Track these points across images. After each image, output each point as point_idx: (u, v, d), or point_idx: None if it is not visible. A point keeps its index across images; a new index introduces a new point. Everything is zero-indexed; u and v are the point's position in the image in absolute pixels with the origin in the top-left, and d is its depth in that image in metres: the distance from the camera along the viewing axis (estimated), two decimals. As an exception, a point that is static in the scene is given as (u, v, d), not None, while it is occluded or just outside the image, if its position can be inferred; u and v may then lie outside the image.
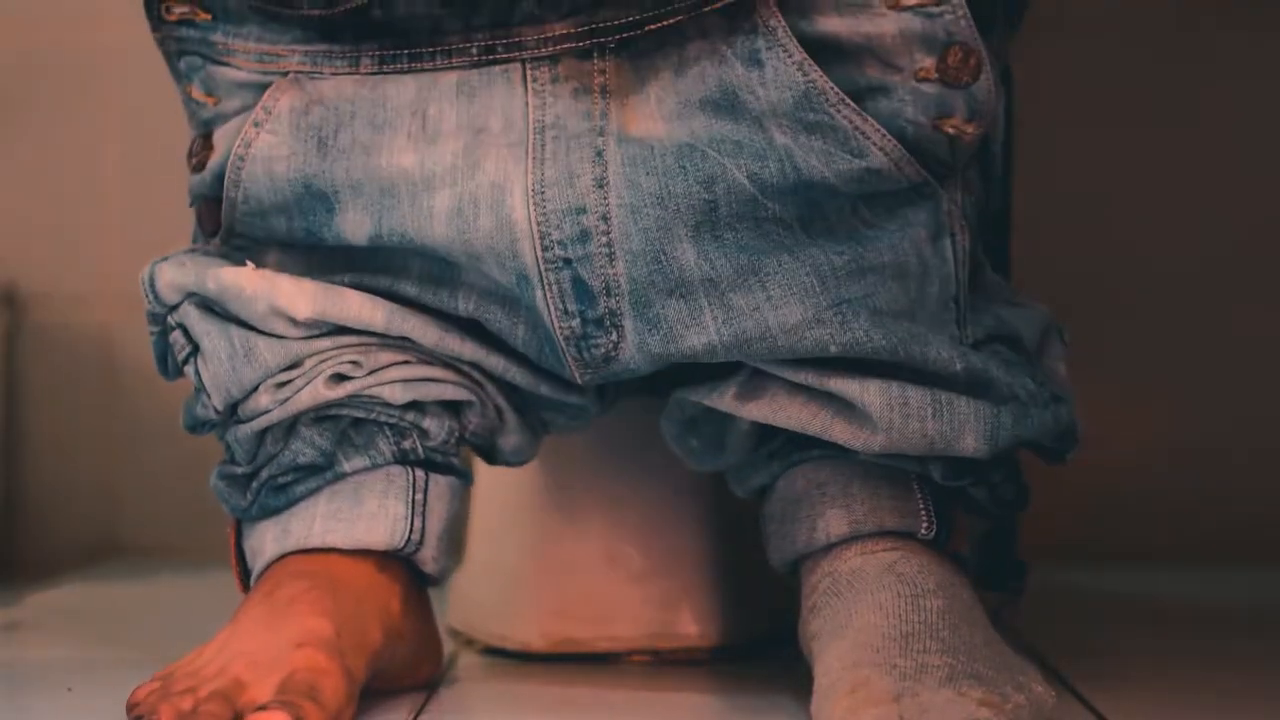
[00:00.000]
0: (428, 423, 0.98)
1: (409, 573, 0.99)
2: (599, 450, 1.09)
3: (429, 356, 0.98)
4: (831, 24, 0.90)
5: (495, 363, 0.98)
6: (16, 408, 1.51)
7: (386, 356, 0.97)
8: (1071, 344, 0.98)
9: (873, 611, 0.91)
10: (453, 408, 0.99)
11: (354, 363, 0.96)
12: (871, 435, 0.93)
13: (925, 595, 0.92)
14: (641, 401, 1.04)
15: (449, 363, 0.98)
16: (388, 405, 0.97)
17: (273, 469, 0.98)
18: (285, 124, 0.95)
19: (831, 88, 0.90)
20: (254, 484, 0.98)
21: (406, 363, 0.97)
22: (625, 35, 0.91)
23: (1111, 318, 1.50)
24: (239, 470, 0.99)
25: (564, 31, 0.92)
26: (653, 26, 0.91)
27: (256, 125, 0.95)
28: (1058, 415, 0.96)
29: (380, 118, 0.94)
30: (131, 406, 1.52)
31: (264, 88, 0.96)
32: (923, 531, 0.96)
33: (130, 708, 0.89)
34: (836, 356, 0.92)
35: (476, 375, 0.99)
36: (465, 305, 0.96)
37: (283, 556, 0.97)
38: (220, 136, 0.97)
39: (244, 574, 1.00)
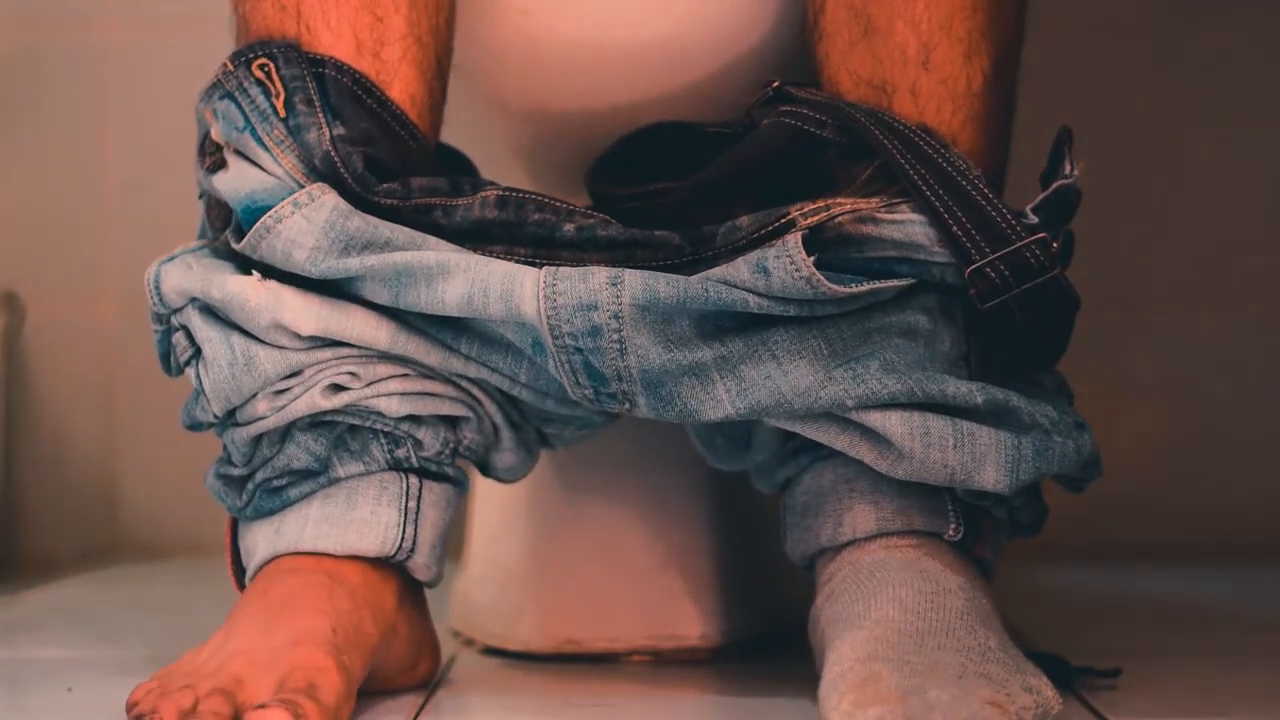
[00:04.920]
0: (423, 434, 0.98)
1: (403, 571, 0.99)
2: (599, 450, 1.09)
3: (430, 371, 0.98)
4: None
5: (501, 380, 0.98)
6: (16, 408, 1.51)
7: (385, 369, 0.97)
8: (1071, 343, 0.98)
9: (892, 605, 0.91)
10: (449, 421, 0.99)
11: (352, 374, 0.96)
12: (895, 462, 0.93)
13: (946, 594, 0.92)
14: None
15: (449, 378, 0.98)
16: (383, 416, 0.97)
17: (267, 471, 0.98)
18: (322, 218, 0.94)
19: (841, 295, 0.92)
20: (249, 485, 0.98)
21: (405, 376, 0.97)
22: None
23: (1111, 317, 1.50)
24: (235, 471, 0.99)
25: (599, 263, 0.94)
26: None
27: (295, 206, 0.94)
28: (1080, 444, 0.95)
29: (412, 248, 0.95)
30: (131, 407, 1.52)
31: (287, 189, 0.95)
32: (949, 533, 0.96)
33: (130, 707, 0.89)
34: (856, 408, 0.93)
35: (475, 392, 0.99)
36: (468, 349, 0.97)
37: (275, 557, 0.97)
38: (236, 170, 0.97)
39: (239, 571, 1.00)
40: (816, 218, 0.93)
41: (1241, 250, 1.50)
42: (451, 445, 0.99)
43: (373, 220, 0.95)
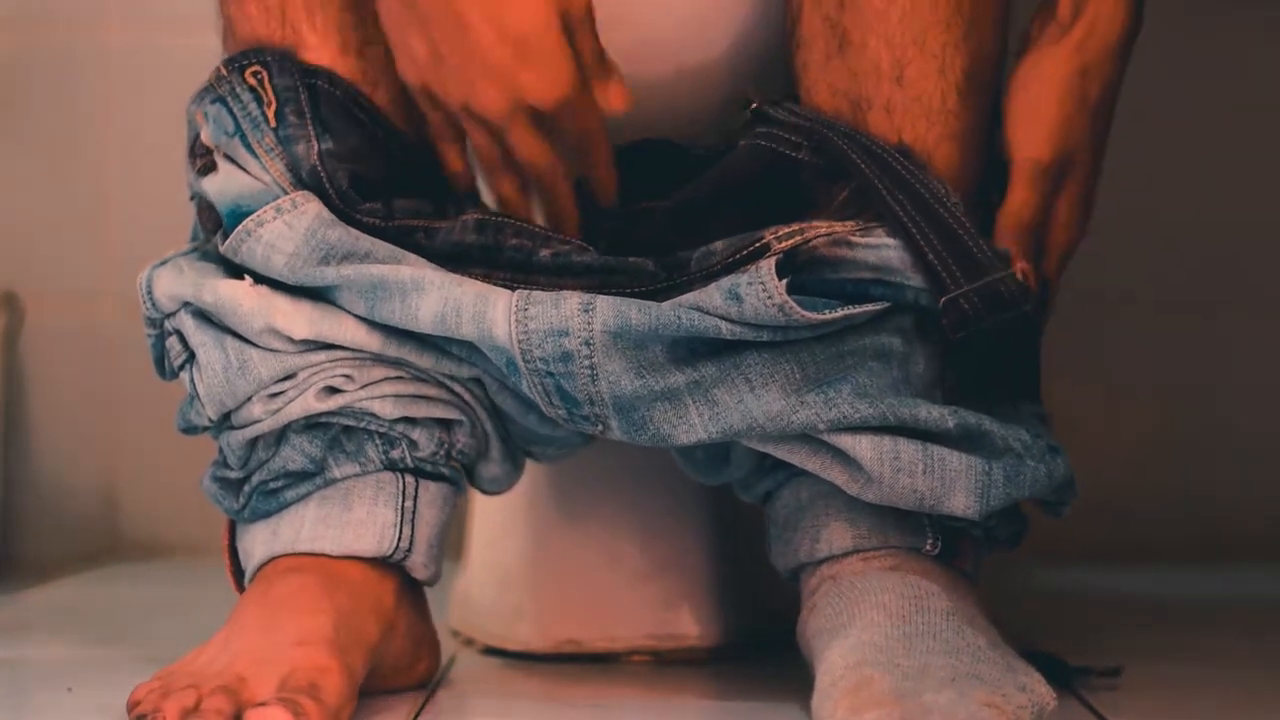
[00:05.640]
0: (417, 435, 0.98)
1: (401, 570, 0.99)
2: (598, 450, 1.09)
3: (423, 374, 0.98)
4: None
5: (489, 382, 0.98)
6: (16, 408, 1.51)
7: (379, 371, 0.97)
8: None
9: (877, 611, 0.91)
10: (443, 424, 1.00)
11: (347, 376, 0.97)
12: (865, 485, 0.93)
13: (929, 597, 0.92)
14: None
15: (442, 382, 0.98)
16: (378, 417, 0.97)
17: (263, 474, 0.98)
18: (303, 226, 0.94)
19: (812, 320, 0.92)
20: (245, 488, 0.98)
21: (400, 378, 0.98)
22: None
23: (1109, 317, 1.50)
24: (231, 474, 0.99)
25: (575, 289, 0.94)
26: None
27: (278, 211, 0.95)
28: (1052, 468, 0.95)
29: (390, 262, 0.95)
30: (131, 406, 1.52)
31: (273, 195, 0.95)
32: (927, 548, 0.95)
33: (131, 706, 0.89)
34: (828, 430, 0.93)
35: (467, 398, 0.99)
36: (459, 349, 0.97)
37: (273, 558, 0.98)
38: (225, 174, 0.97)
39: (237, 573, 1.00)
40: (790, 241, 0.93)
41: (1237, 249, 1.50)
42: (446, 447, 0.99)
43: (353, 232, 0.95)
